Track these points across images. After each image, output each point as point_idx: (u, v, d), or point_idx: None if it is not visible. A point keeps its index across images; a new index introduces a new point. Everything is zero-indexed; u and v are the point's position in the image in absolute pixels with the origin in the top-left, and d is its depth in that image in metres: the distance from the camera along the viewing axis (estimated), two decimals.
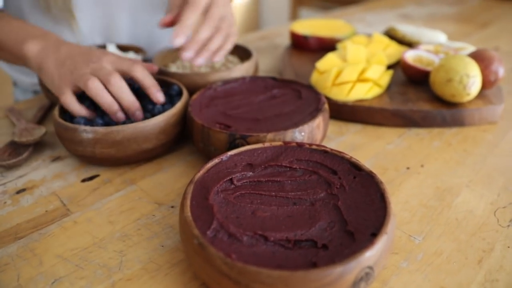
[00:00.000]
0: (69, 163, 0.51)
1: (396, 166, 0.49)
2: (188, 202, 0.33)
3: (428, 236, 0.38)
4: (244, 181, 0.38)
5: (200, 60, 0.54)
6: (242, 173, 0.38)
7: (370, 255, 0.28)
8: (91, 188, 0.47)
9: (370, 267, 0.29)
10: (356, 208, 0.34)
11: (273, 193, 0.36)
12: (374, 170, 0.48)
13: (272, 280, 0.27)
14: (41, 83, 0.63)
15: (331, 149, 0.40)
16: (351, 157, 0.39)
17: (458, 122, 0.57)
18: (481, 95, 0.59)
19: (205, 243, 0.29)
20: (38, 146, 0.55)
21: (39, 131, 0.55)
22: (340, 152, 0.40)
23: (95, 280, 0.35)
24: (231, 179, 0.37)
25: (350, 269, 0.28)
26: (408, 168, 0.48)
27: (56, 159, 0.53)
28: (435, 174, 0.47)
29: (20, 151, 0.53)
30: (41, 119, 0.62)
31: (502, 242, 0.38)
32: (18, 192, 0.46)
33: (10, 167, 0.51)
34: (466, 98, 0.55)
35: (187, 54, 0.53)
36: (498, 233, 0.39)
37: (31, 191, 0.46)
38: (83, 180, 0.48)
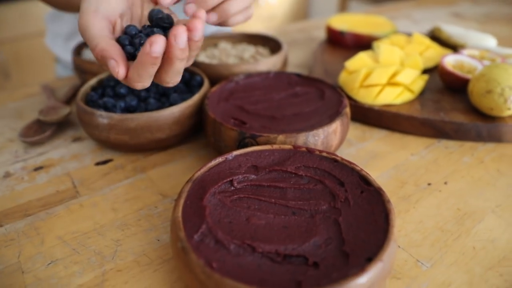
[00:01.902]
0: (87, 145, 0.53)
1: (416, 181, 0.45)
2: (181, 202, 0.33)
3: (438, 263, 0.35)
4: (245, 184, 0.36)
5: (213, 17, 0.42)
6: (245, 175, 0.37)
7: (359, 283, 0.26)
8: (102, 172, 0.47)
9: None
10: (357, 227, 0.32)
11: (273, 200, 0.35)
12: (391, 183, 0.45)
13: None
14: (75, 65, 0.65)
15: (342, 159, 0.38)
16: (361, 169, 0.37)
17: (494, 138, 0.52)
18: None
19: (188, 248, 0.28)
20: (62, 125, 0.57)
21: (63, 111, 0.57)
22: (351, 162, 0.37)
23: (88, 267, 0.35)
24: (231, 181, 0.36)
25: None
26: (429, 184, 0.45)
27: (76, 139, 0.54)
28: (459, 194, 0.43)
29: (45, 129, 0.55)
30: (70, 99, 0.64)
31: None
32: (36, 169, 0.48)
33: (33, 144, 0.53)
34: (507, 113, 0.50)
35: (190, 7, 0.40)
36: None
37: (48, 170, 0.48)
38: (97, 164, 0.49)
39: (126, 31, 0.38)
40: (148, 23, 0.41)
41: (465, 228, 0.39)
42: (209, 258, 0.28)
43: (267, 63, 0.60)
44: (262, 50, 0.69)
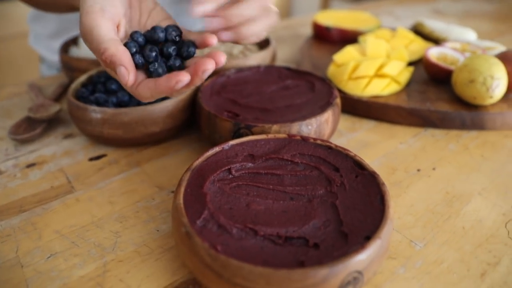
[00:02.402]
0: (79, 141, 0.52)
1: (406, 167, 0.47)
2: (182, 190, 0.33)
3: (430, 243, 0.37)
4: (243, 172, 0.37)
5: (225, 36, 0.39)
6: (242, 163, 0.38)
7: (359, 260, 0.27)
8: (97, 167, 0.47)
9: (359, 272, 0.28)
10: (353, 209, 0.33)
11: (271, 187, 0.36)
12: (382, 170, 0.46)
13: (254, 276, 0.26)
14: (63, 62, 0.64)
15: (336, 145, 0.39)
16: (355, 155, 0.38)
17: (478, 126, 0.54)
18: (505, 98, 0.56)
19: (192, 232, 0.29)
20: (52, 123, 0.56)
21: (53, 108, 0.56)
22: (345, 149, 0.39)
23: (89, 259, 0.35)
24: (229, 169, 0.37)
25: (337, 272, 0.27)
26: (418, 170, 0.46)
27: (67, 136, 0.53)
28: (447, 179, 0.45)
29: (35, 127, 0.54)
30: (59, 96, 0.64)
31: (510, 256, 0.36)
32: (28, 166, 0.48)
33: (23, 142, 0.52)
34: (489, 101, 0.52)
35: (212, 22, 0.37)
36: (507, 246, 0.37)
37: (41, 166, 0.48)
38: (91, 159, 0.49)
39: (132, 37, 0.37)
40: (147, 27, 0.40)
41: (454, 210, 0.41)
42: (213, 242, 0.29)
43: (257, 58, 0.61)
44: (251, 46, 0.70)
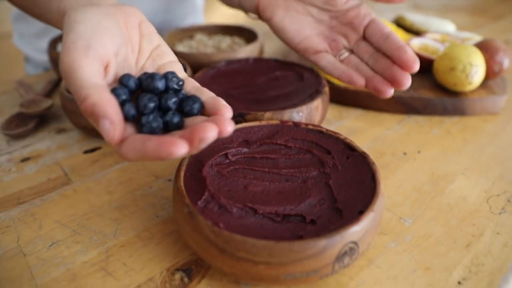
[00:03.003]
0: (73, 135, 0.53)
1: (393, 151, 0.49)
2: (182, 173, 0.34)
3: (418, 219, 0.39)
4: (239, 156, 0.38)
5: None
6: (238, 148, 0.39)
7: (354, 231, 0.29)
8: (92, 159, 0.48)
9: (355, 243, 0.29)
10: (346, 187, 0.34)
11: (266, 169, 0.37)
12: (371, 154, 0.48)
13: (257, 249, 0.28)
14: (52, 59, 0.64)
15: (327, 130, 0.41)
16: (345, 137, 0.40)
17: (459, 111, 0.56)
18: (484, 85, 0.58)
19: (195, 212, 0.30)
20: (44, 118, 0.56)
21: (45, 103, 0.56)
22: (336, 133, 0.40)
23: (91, 245, 0.36)
24: (226, 154, 0.38)
25: (334, 243, 0.28)
26: (405, 153, 0.49)
27: (61, 131, 0.54)
28: (432, 161, 0.47)
29: (27, 122, 0.54)
30: (50, 93, 0.64)
31: (492, 228, 0.38)
32: (23, 160, 0.48)
33: (16, 137, 0.52)
34: (468, 87, 0.55)
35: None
36: (489, 219, 0.39)
37: (36, 160, 0.48)
38: (85, 152, 0.49)
39: (122, 82, 0.30)
40: (145, 69, 0.34)
41: (440, 189, 0.43)
42: (215, 220, 0.30)
43: (245, 51, 0.62)
44: (238, 40, 0.71)
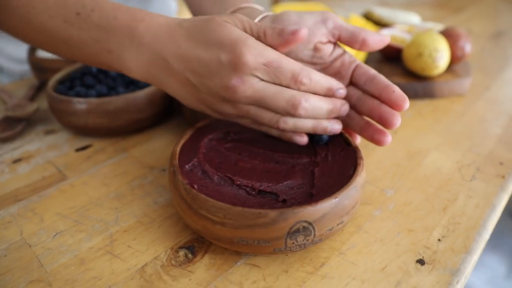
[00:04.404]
0: (63, 135, 0.54)
1: None
2: (182, 141, 0.38)
3: (399, 189, 0.42)
4: (241, 136, 0.41)
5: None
6: (242, 128, 0.41)
7: (308, 211, 0.30)
8: (85, 156, 0.49)
9: (309, 223, 0.30)
10: (328, 176, 0.36)
11: (262, 150, 0.39)
12: None
13: (215, 209, 0.31)
14: (33, 64, 0.65)
15: None
16: (345, 132, 0.41)
17: (428, 94, 0.61)
18: (450, 69, 0.63)
19: (177, 172, 0.34)
20: (31, 122, 0.57)
21: (31, 106, 0.57)
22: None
23: (94, 233, 0.37)
24: (228, 132, 0.41)
25: (285, 218, 0.30)
26: None
27: (49, 132, 0.55)
28: (407, 139, 0.51)
29: (14, 126, 0.55)
30: (33, 97, 0.64)
31: (465, 193, 0.42)
32: (15, 161, 0.49)
33: (4, 141, 0.53)
34: (435, 71, 0.59)
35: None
36: (462, 186, 0.43)
37: (28, 161, 0.49)
38: (77, 150, 0.50)
39: None
40: None
41: (416, 162, 0.47)
42: (193, 181, 0.34)
43: None
44: None
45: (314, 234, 0.31)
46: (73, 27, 0.37)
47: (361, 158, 0.37)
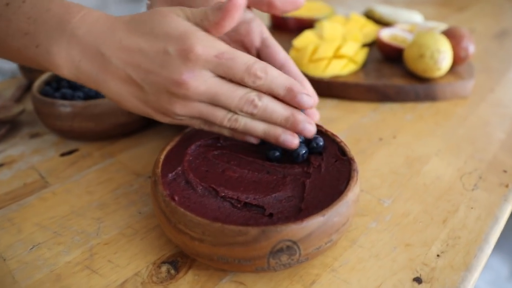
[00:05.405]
0: (48, 139, 0.52)
1: (369, 137, 0.50)
2: (167, 148, 0.36)
3: (397, 199, 0.40)
4: (230, 142, 0.39)
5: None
6: None
7: (293, 229, 0.28)
8: (70, 161, 0.47)
9: (293, 242, 0.28)
10: (319, 189, 0.33)
11: (251, 159, 0.37)
12: (347, 141, 0.49)
13: (193, 224, 0.29)
14: (20, 64, 0.63)
15: (326, 130, 0.40)
16: (341, 141, 0.39)
17: (430, 97, 0.58)
18: (452, 71, 0.61)
19: (158, 181, 0.32)
20: (16, 124, 0.55)
21: (16, 108, 0.55)
22: (334, 134, 0.39)
23: (73, 245, 0.35)
24: (217, 138, 0.39)
25: (266, 237, 0.28)
26: (380, 139, 0.50)
27: (34, 135, 0.53)
28: (406, 145, 0.49)
29: None
30: (20, 98, 0.62)
31: (466, 203, 0.40)
32: None
33: None
34: (437, 73, 0.57)
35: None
36: (463, 196, 0.41)
37: (10, 166, 0.47)
38: (62, 155, 0.48)
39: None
40: None
41: (415, 170, 0.44)
42: (174, 192, 0.32)
43: None
44: None
45: (300, 254, 0.29)
46: (1, 18, 0.33)
47: (355, 170, 0.34)
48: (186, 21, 0.32)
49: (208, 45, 0.30)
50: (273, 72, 0.32)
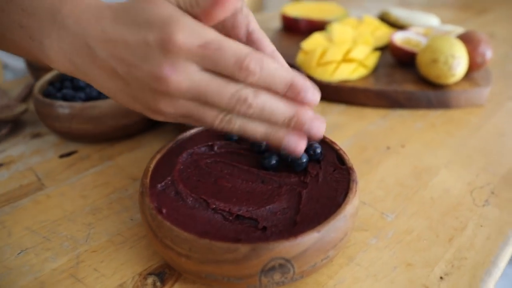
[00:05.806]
0: (49, 140, 0.51)
1: (376, 146, 0.48)
2: (158, 156, 0.35)
3: (401, 214, 0.38)
4: (224, 150, 0.37)
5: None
6: (227, 142, 0.38)
7: (286, 247, 0.26)
8: (68, 163, 0.46)
9: (287, 260, 0.27)
10: (316, 201, 0.31)
11: (246, 167, 0.35)
12: (353, 149, 0.47)
13: (180, 240, 0.27)
14: (27, 62, 0.63)
15: (325, 137, 0.38)
16: (340, 148, 0.37)
17: (443, 104, 0.56)
18: (468, 77, 0.58)
19: (145, 193, 0.31)
20: (19, 123, 0.55)
21: (19, 108, 0.55)
22: (332, 142, 0.38)
23: (61, 252, 0.34)
24: (211, 145, 0.37)
25: (258, 254, 0.26)
26: (388, 147, 0.48)
27: (36, 136, 0.52)
28: (415, 154, 0.46)
29: (0, 128, 0.53)
30: (26, 97, 0.62)
31: (475, 221, 0.37)
32: None
33: None
34: (451, 79, 0.54)
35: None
36: (472, 212, 0.38)
37: (8, 166, 0.46)
38: (61, 156, 0.48)
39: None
40: None
41: (423, 182, 0.42)
42: (162, 204, 0.30)
43: None
44: None
45: (294, 272, 0.27)
46: None
47: (354, 181, 0.32)
48: (173, 6, 0.28)
49: (191, 33, 0.26)
50: (270, 65, 0.27)
